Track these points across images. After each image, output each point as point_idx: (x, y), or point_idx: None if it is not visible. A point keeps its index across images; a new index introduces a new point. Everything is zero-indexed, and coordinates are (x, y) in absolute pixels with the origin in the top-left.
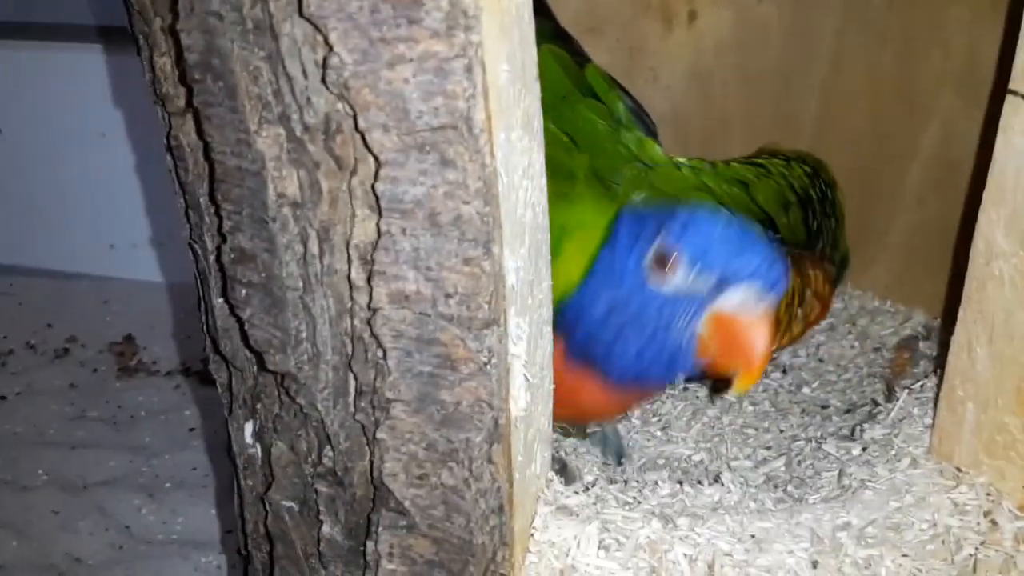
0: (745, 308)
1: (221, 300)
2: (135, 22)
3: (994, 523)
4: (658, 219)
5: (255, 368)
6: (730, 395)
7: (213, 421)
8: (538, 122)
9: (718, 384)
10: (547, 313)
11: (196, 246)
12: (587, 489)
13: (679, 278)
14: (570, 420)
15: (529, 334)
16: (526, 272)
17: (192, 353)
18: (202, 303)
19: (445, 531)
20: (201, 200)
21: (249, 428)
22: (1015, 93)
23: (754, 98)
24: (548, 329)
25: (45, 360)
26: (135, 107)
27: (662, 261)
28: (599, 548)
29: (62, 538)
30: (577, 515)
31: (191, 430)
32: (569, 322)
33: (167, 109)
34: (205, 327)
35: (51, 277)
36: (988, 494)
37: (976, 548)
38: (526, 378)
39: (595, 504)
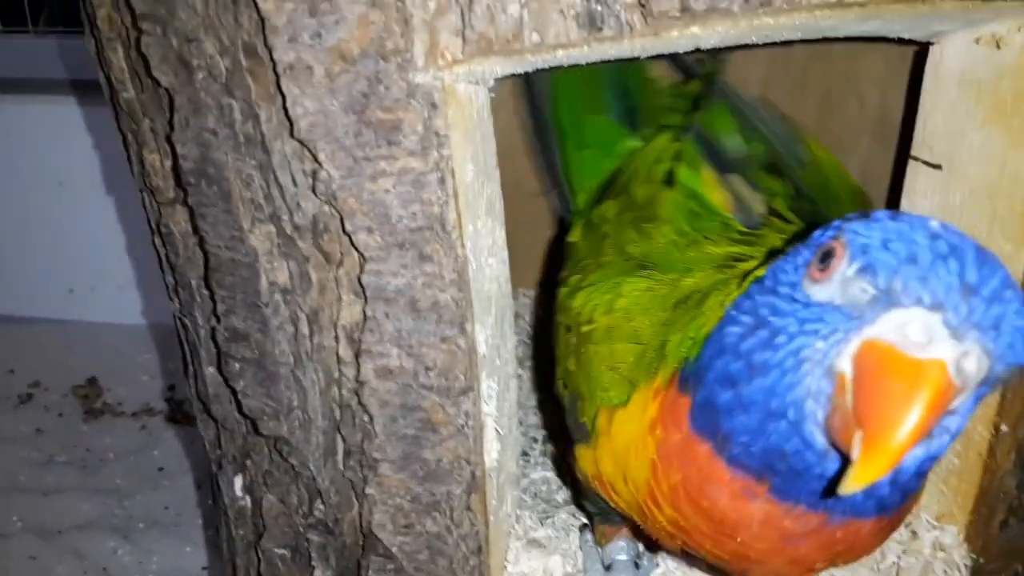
0: (911, 342)
1: (213, 370)
2: (122, 120)
3: (914, 533)
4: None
5: (245, 429)
6: (842, 489)
7: (182, 460)
8: (499, 204)
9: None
10: (512, 368)
11: (186, 320)
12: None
13: (837, 277)
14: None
15: (498, 391)
16: (494, 338)
17: (155, 393)
18: (190, 369)
19: (430, 572)
20: (193, 282)
21: (239, 482)
22: (916, 159)
23: None
24: (513, 382)
25: (9, 406)
26: (92, 155)
27: (826, 256)
28: None
29: None
30: (545, 547)
31: (160, 469)
32: (701, 365)
33: (156, 199)
34: (194, 390)
35: (10, 322)
36: None
37: (899, 556)
38: (497, 431)
39: (559, 537)
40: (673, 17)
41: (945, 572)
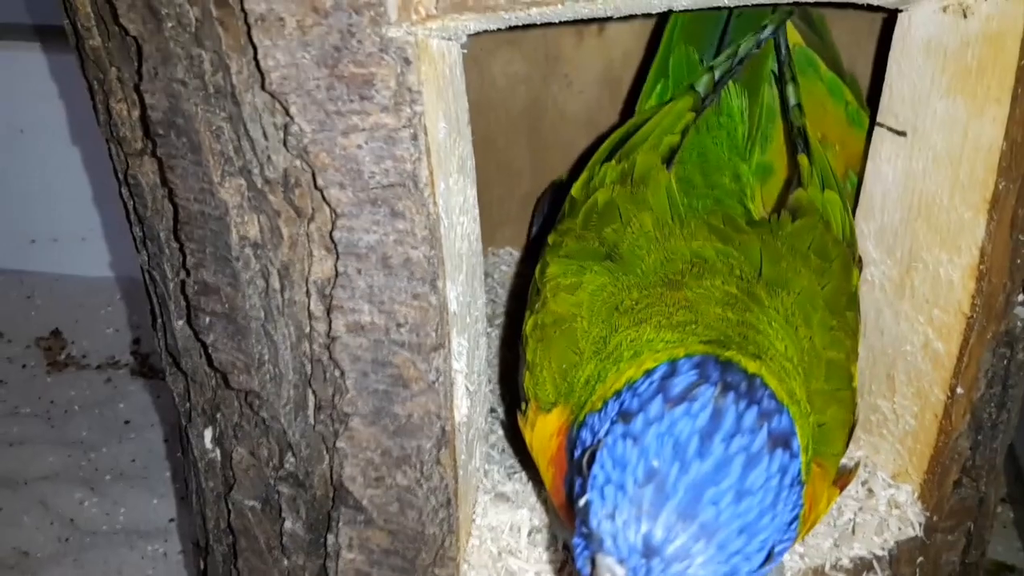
0: None
1: (182, 323)
2: (88, 68)
3: (870, 491)
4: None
5: (214, 383)
6: None
7: (149, 413)
8: (470, 162)
9: None
10: (482, 326)
11: (155, 273)
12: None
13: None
14: None
15: (468, 348)
16: (464, 296)
17: (120, 346)
18: (159, 321)
19: (400, 524)
20: (161, 235)
21: (208, 434)
22: (881, 126)
23: None
24: (483, 340)
25: None
26: (53, 104)
27: (589, 461)
28: (529, 533)
29: (7, 534)
30: (512, 501)
31: (126, 422)
32: (572, 448)
33: (123, 149)
34: (162, 343)
35: None
36: (865, 466)
37: (855, 513)
38: (467, 388)
39: (526, 491)
40: None
41: (899, 529)
